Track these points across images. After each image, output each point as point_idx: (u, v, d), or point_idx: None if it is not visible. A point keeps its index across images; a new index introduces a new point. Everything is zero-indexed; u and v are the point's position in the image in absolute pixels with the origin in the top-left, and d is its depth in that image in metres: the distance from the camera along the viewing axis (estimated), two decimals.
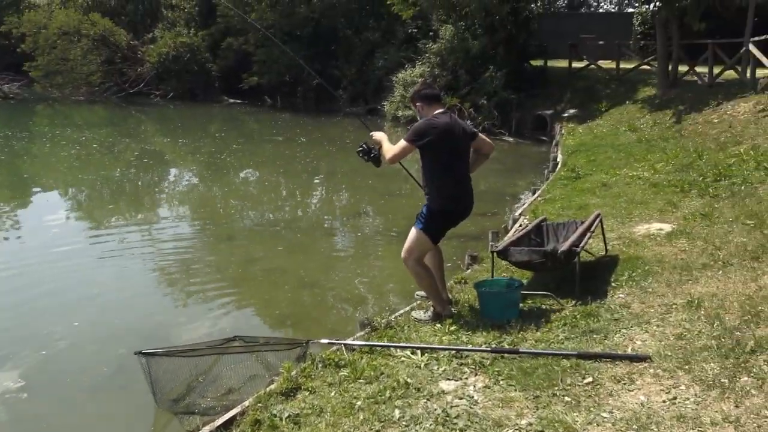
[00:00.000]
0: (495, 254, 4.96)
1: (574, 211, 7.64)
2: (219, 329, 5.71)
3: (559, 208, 7.93)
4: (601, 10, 36.52)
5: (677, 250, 5.55)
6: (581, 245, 4.82)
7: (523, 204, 8.74)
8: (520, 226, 7.65)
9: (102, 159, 14.86)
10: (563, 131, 15.70)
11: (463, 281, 5.54)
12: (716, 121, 11.49)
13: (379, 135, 4.71)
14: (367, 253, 8.18)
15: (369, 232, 9.28)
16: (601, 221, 5.70)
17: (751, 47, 12.64)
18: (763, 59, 12.16)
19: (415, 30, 22.55)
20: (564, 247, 4.68)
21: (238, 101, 27.84)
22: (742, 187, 6.95)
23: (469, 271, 5.93)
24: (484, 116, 18.21)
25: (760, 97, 11.60)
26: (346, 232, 9.38)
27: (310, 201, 11.58)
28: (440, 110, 4.57)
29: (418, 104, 4.61)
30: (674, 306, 4.29)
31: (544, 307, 4.68)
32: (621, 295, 4.72)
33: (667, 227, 6.36)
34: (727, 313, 3.96)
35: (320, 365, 3.96)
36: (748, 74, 12.91)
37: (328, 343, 4.27)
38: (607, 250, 5.81)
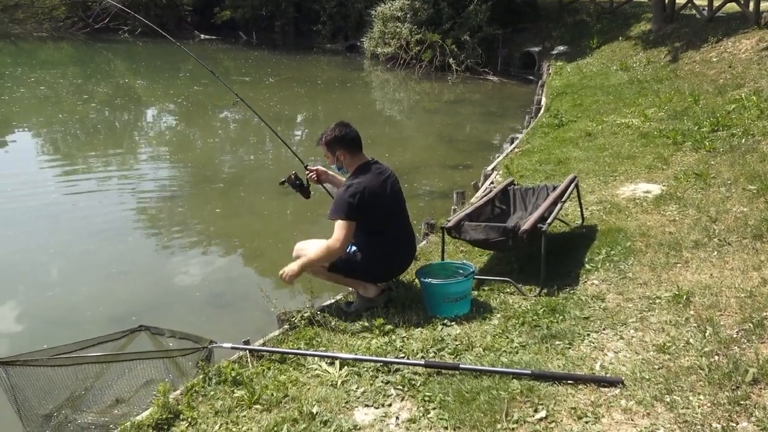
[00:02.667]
0: (445, 232, 4.11)
1: (553, 167, 6.77)
2: (134, 312, 4.91)
3: (536, 162, 7.04)
4: None
5: (666, 221, 4.73)
6: (549, 221, 3.97)
7: (498, 156, 7.83)
8: (491, 183, 6.80)
9: (70, 100, 13.75)
10: (550, 70, 14.60)
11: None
12: (715, 59, 10.47)
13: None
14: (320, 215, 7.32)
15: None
16: (577, 186, 4.84)
17: None
18: None
19: None
20: (527, 224, 3.84)
21: (212, 37, 26.27)
22: (743, 140, 6.08)
23: (424, 243, 5.10)
24: (468, 54, 17.05)
25: (764, 32, 10.54)
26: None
27: (259, 153, 10.55)
28: (363, 160, 3.72)
29: (338, 152, 3.69)
30: (658, 300, 3.49)
31: (502, 296, 3.88)
32: (595, 281, 3.91)
33: (655, 189, 5.52)
34: (722, 315, 3.16)
35: (214, 381, 3.17)
36: (751, 7, 11.77)
37: (232, 347, 3.47)
38: (584, 219, 4.98)
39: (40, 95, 14.15)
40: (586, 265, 4.14)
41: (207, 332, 4.71)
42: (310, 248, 3.75)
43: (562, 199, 4.37)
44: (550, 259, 4.08)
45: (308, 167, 4.14)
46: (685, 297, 3.42)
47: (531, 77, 16.68)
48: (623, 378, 2.78)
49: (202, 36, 26.48)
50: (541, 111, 10.54)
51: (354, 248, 3.76)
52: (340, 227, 3.55)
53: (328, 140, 3.71)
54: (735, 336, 2.93)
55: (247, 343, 3.62)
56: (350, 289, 4.12)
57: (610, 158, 6.74)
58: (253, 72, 17.46)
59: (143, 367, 3.77)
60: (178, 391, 3.13)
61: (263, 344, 3.55)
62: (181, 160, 9.74)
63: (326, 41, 23.90)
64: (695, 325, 3.14)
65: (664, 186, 5.57)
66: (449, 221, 4.18)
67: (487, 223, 4.07)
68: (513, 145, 8.25)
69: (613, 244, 4.37)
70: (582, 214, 4.97)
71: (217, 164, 9.49)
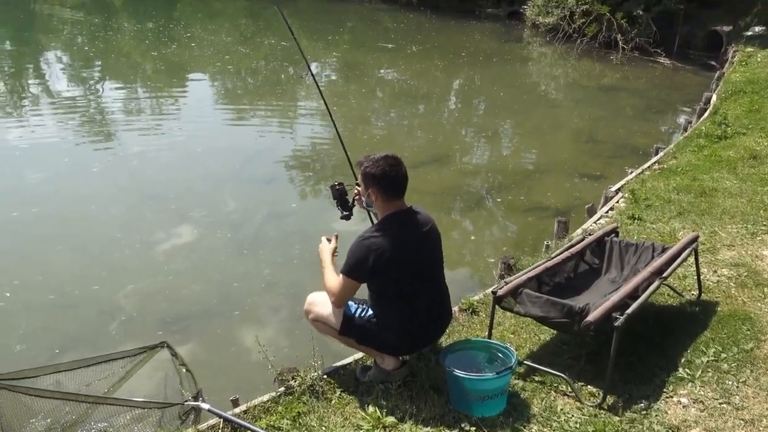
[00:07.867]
0: (495, 302, 3.30)
1: (692, 198, 5.50)
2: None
3: (673, 188, 5.77)
4: None
5: None
6: (630, 310, 3.01)
7: (631, 173, 6.59)
8: (611, 210, 5.69)
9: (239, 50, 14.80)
10: (735, 58, 12.37)
11: (470, 310, 3.94)
12: None
13: (324, 247, 3.25)
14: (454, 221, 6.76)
15: (462, 189, 7.46)
16: (696, 251, 3.72)
17: None
18: None
19: None
20: (596, 312, 2.92)
21: None
22: None
23: (489, 290, 4.24)
24: (639, 30, 14.99)
25: None
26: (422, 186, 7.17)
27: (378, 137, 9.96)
28: (398, 208, 3.01)
29: (371, 190, 3.00)
30: None
31: (552, 396, 3.03)
32: (683, 400, 2.92)
33: None
34: None
35: None
36: None
37: (209, 410, 3.02)
38: (701, 290, 3.86)
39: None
40: (680, 370, 3.12)
41: (239, 359, 4.38)
42: (322, 304, 3.16)
43: (663, 275, 3.33)
44: (633, 349, 3.17)
45: (359, 184, 3.45)
46: None
47: (713, 63, 14.33)
48: None
49: None
50: (706, 113, 8.84)
51: (370, 312, 3.10)
52: (341, 283, 2.99)
53: (364, 172, 3.04)
54: None
55: (235, 402, 3.17)
56: None
57: None
58: (401, 38, 16.79)
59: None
60: None
61: (245, 411, 3.05)
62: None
63: (489, 4, 22.44)
64: None
65: None
66: (506, 283, 3.35)
67: (549, 296, 3.18)
68: (654, 159, 6.92)
69: (728, 342, 3.29)
70: (699, 285, 3.85)
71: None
